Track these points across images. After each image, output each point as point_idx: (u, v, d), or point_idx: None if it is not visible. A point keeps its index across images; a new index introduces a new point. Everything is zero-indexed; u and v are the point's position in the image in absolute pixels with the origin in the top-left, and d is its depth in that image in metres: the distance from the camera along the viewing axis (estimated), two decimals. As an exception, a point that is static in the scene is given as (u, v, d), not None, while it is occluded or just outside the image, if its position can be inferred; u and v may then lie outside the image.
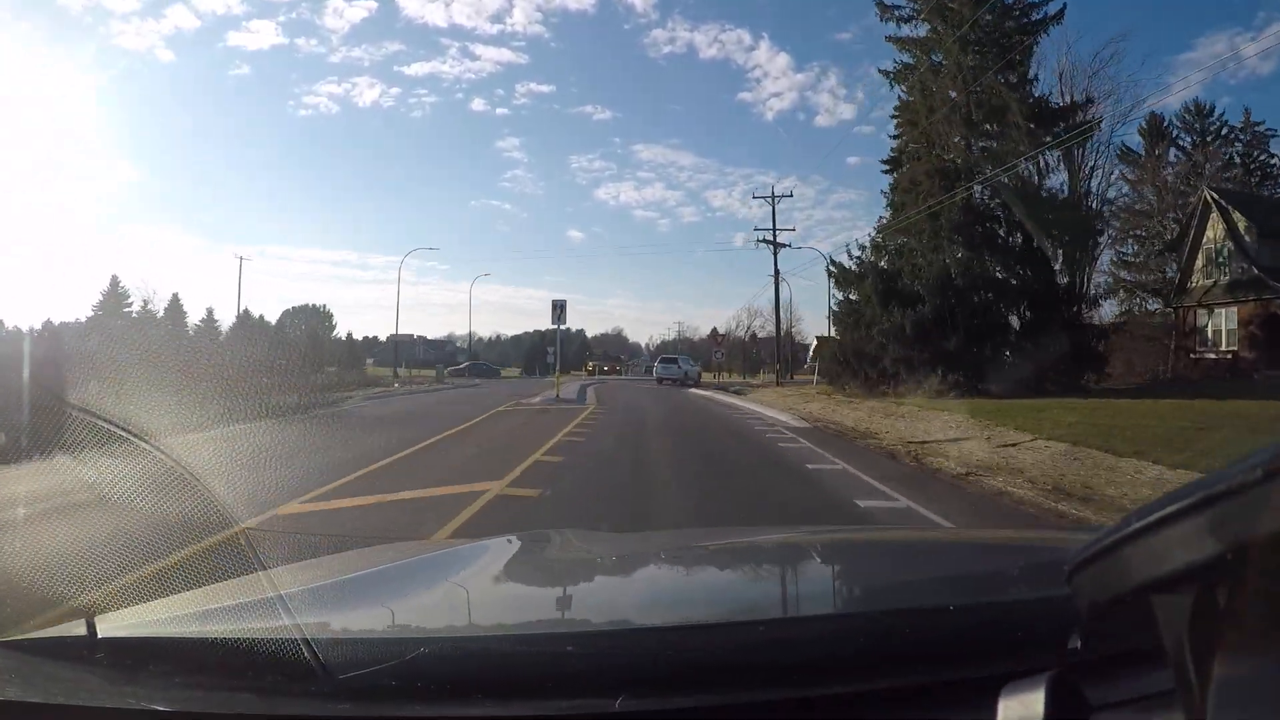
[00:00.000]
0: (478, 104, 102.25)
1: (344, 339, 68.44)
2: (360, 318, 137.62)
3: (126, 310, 52.90)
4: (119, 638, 0.95)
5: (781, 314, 65.35)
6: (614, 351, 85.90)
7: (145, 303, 50.68)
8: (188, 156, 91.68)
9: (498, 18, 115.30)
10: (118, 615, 1.12)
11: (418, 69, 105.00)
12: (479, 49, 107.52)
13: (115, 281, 53.31)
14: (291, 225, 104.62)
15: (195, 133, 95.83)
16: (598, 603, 1.34)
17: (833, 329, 27.59)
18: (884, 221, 25.16)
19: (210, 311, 55.83)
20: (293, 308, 69.19)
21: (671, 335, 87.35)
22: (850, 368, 22.55)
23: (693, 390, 29.88)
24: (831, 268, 25.18)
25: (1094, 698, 0.67)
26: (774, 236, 36.04)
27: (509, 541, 1.74)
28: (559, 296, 17.77)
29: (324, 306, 72.05)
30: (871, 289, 21.69)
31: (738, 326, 67.52)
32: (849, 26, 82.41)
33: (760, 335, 62.96)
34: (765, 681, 0.85)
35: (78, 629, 0.94)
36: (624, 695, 0.81)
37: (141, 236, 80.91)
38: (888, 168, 25.73)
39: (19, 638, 1.00)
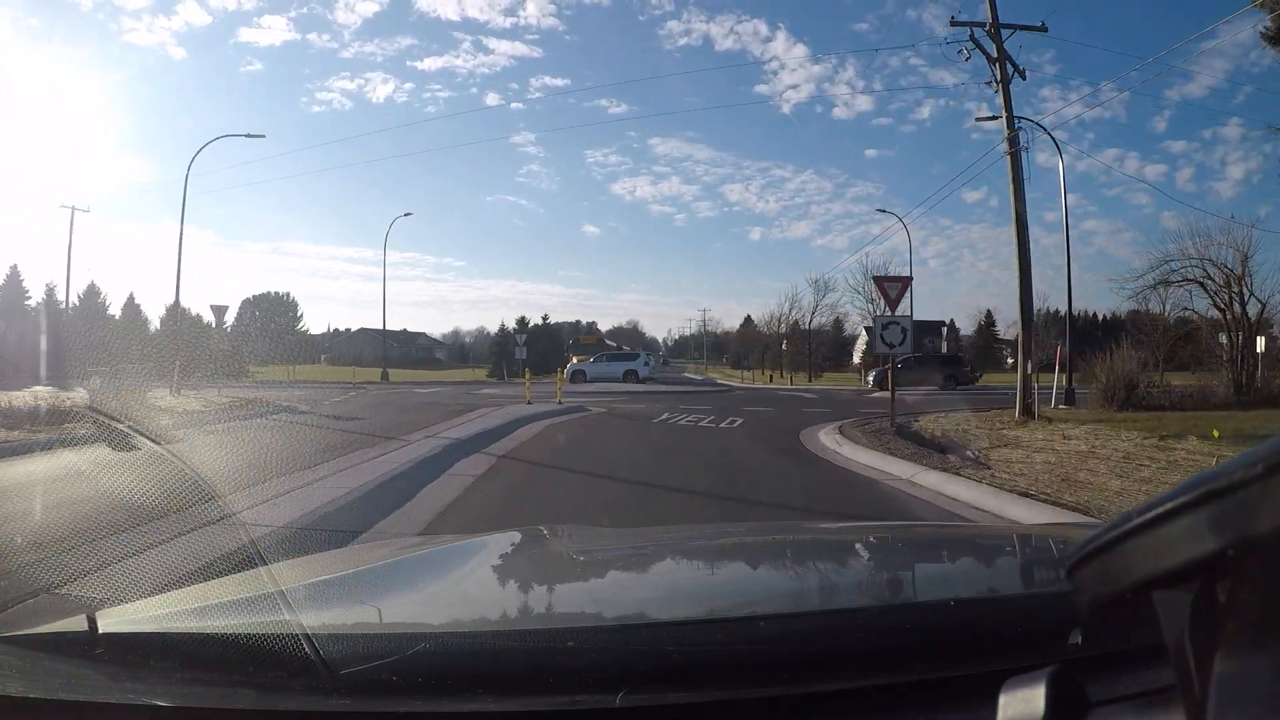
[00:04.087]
0: (492, 99, 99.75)
1: (292, 332, 64.62)
2: (376, 313, 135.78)
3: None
4: (120, 633, 0.95)
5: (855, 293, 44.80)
6: (627, 343, 63.03)
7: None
8: (200, 152, 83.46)
9: (510, 11, 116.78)
10: (119, 611, 1.12)
11: (431, 63, 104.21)
12: (492, 42, 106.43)
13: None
14: (306, 221, 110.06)
15: (208, 129, 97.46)
16: (598, 598, 1.30)
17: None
18: None
19: (50, 290, 47.12)
20: (253, 296, 66.25)
21: (692, 329, 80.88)
22: None
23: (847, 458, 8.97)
24: None
25: (1095, 694, 0.65)
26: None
27: (510, 536, 1.72)
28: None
29: (288, 295, 68.80)
30: None
31: (773, 319, 54.05)
32: (866, 16, 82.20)
33: (804, 327, 50.28)
34: (766, 676, 0.84)
35: (79, 625, 0.93)
36: (625, 691, 0.80)
37: (149, 233, 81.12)
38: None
39: (20, 634, 0.99)
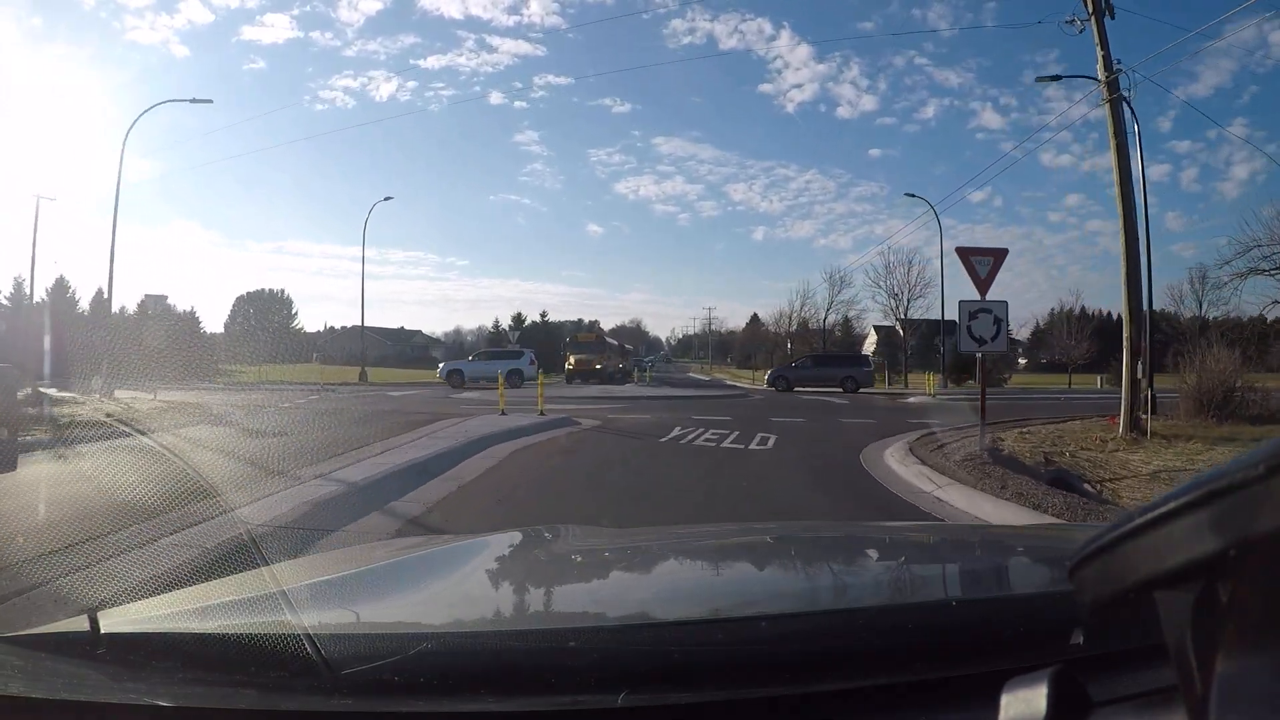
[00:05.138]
0: (495, 97, 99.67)
1: (286, 331, 64.46)
2: (379, 312, 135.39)
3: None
4: (122, 633, 0.95)
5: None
6: (629, 342, 59.67)
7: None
8: (203, 152, 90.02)
9: (514, 9, 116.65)
10: (121, 611, 1.13)
11: (434, 62, 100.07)
12: (496, 41, 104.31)
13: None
14: (309, 221, 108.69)
15: (211, 126, 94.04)
16: (600, 598, 1.29)
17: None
18: None
19: (18, 283, 45.01)
20: (247, 294, 65.73)
21: (695, 328, 79.99)
22: None
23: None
24: None
25: (1096, 694, 0.64)
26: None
27: (511, 537, 1.72)
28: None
29: (282, 293, 67.77)
30: None
31: (783, 316, 53.11)
32: (871, 15, 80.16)
33: (813, 326, 49.27)
34: (767, 676, 0.84)
35: (81, 625, 0.93)
36: (626, 691, 0.80)
37: (155, 233, 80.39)
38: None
39: (22, 634, 0.98)
